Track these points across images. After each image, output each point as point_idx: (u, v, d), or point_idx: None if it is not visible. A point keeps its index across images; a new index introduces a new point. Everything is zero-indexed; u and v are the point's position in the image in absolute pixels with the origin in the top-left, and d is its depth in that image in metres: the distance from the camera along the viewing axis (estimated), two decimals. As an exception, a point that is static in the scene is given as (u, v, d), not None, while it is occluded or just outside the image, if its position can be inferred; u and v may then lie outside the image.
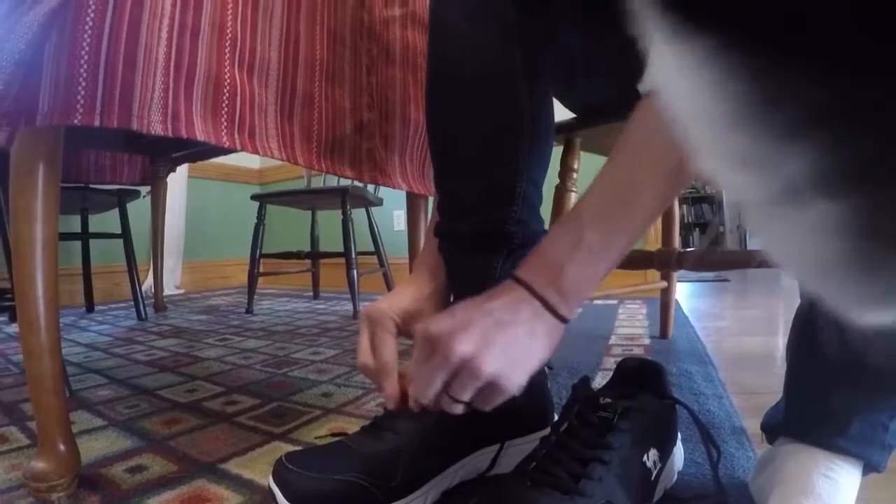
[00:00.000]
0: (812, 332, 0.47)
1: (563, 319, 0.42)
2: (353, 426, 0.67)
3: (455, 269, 0.56)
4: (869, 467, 0.43)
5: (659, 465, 0.49)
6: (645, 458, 0.47)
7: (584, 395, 0.49)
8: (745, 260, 0.94)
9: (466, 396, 0.41)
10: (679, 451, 0.57)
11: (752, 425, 0.69)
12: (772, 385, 0.90)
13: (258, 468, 0.61)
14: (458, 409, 0.43)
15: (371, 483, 0.48)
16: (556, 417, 0.61)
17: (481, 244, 0.55)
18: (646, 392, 0.52)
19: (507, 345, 0.40)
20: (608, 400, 0.48)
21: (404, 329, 0.54)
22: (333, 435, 0.55)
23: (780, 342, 1.25)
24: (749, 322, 1.56)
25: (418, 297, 0.55)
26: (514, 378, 0.41)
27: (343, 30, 0.81)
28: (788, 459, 0.45)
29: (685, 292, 2.34)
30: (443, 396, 0.42)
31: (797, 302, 0.51)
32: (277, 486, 0.48)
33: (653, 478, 0.48)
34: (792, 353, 0.50)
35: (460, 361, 0.39)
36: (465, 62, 0.54)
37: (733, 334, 1.37)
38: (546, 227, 0.60)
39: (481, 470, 0.57)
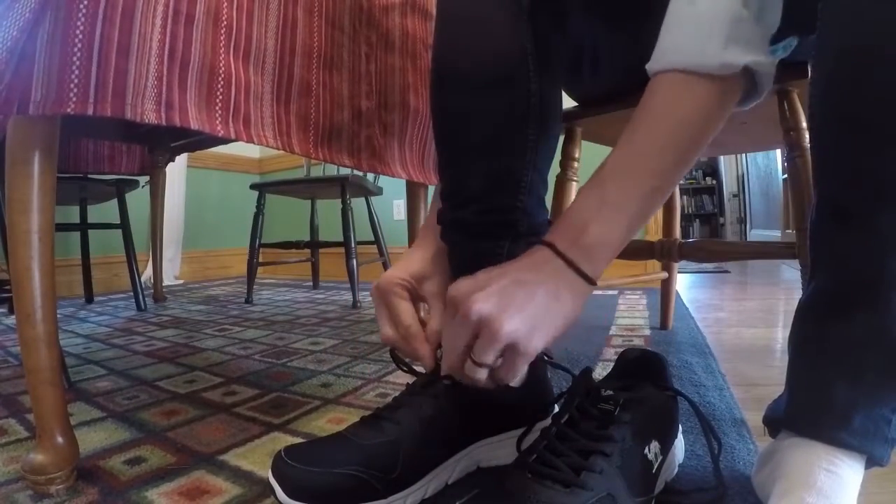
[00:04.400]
0: (814, 325, 0.47)
1: (589, 279, 0.42)
2: (352, 417, 0.67)
3: (458, 254, 0.56)
4: (872, 461, 0.43)
5: (660, 458, 0.49)
6: (646, 450, 0.46)
7: (586, 387, 0.49)
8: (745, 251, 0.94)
9: (489, 359, 0.40)
10: (680, 444, 0.57)
11: (752, 417, 0.69)
12: (772, 377, 0.90)
13: (257, 459, 0.61)
14: (482, 375, 0.42)
15: (371, 476, 0.48)
16: (556, 409, 0.61)
17: (486, 232, 0.54)
18: (647, 383, 0.52)
19: (527, 304, 0.40)
20: (609, 391, 0.48)
21: (416, 292, 0.54)
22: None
23: (780, 334, 1.25)
24: (749, 313, 1.56)
25: (426, 257, 0.56)
26: (535, 339, 0.40)
27: (342, 17, 0.80)
28: (790, 453, 0.44)
29: (685, 283, 2.34)
30: (467, 361, 0.42)
31: (797, 294, 0.51)
32: (277, 480, 0.48)
33: (654, 470, 0.47)
34: (793, 346, 0.49)
35: (479, 321, 0.39)
36: (475, 47, 0.52)
37: (733, 325, 1.37)
38: (550, 216, 0.60)
39: (481, 462, 0.57)
